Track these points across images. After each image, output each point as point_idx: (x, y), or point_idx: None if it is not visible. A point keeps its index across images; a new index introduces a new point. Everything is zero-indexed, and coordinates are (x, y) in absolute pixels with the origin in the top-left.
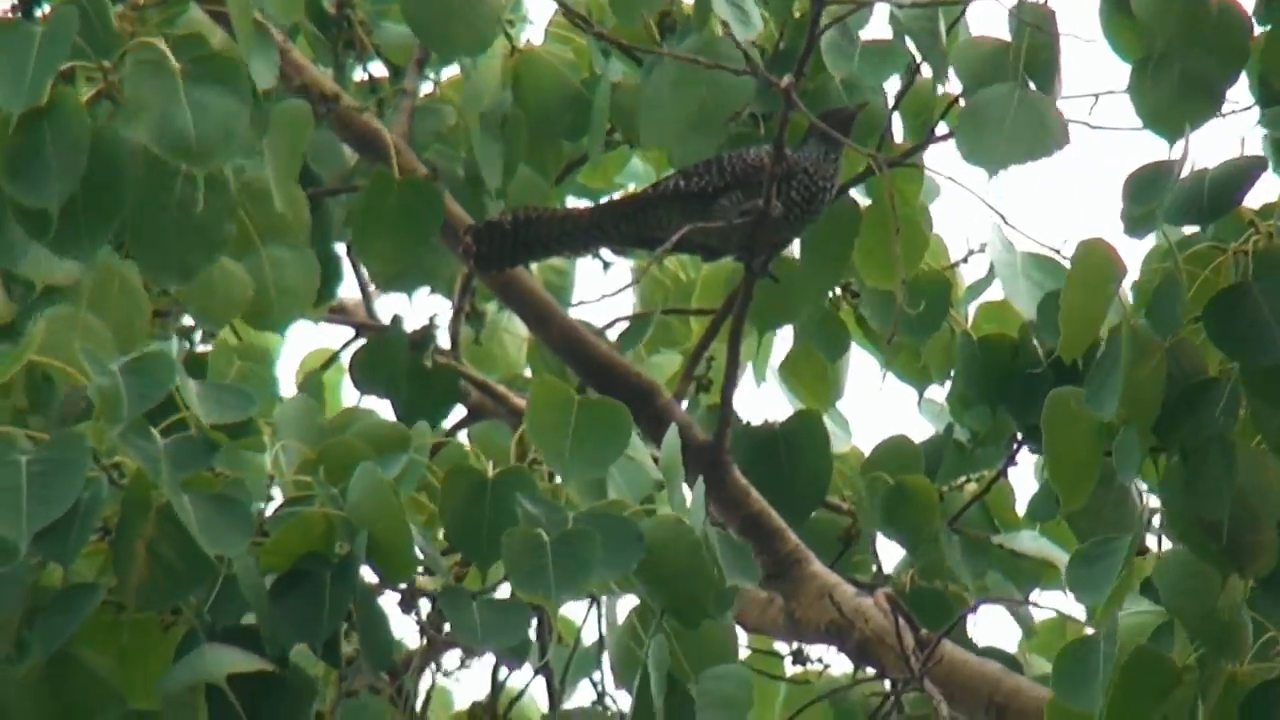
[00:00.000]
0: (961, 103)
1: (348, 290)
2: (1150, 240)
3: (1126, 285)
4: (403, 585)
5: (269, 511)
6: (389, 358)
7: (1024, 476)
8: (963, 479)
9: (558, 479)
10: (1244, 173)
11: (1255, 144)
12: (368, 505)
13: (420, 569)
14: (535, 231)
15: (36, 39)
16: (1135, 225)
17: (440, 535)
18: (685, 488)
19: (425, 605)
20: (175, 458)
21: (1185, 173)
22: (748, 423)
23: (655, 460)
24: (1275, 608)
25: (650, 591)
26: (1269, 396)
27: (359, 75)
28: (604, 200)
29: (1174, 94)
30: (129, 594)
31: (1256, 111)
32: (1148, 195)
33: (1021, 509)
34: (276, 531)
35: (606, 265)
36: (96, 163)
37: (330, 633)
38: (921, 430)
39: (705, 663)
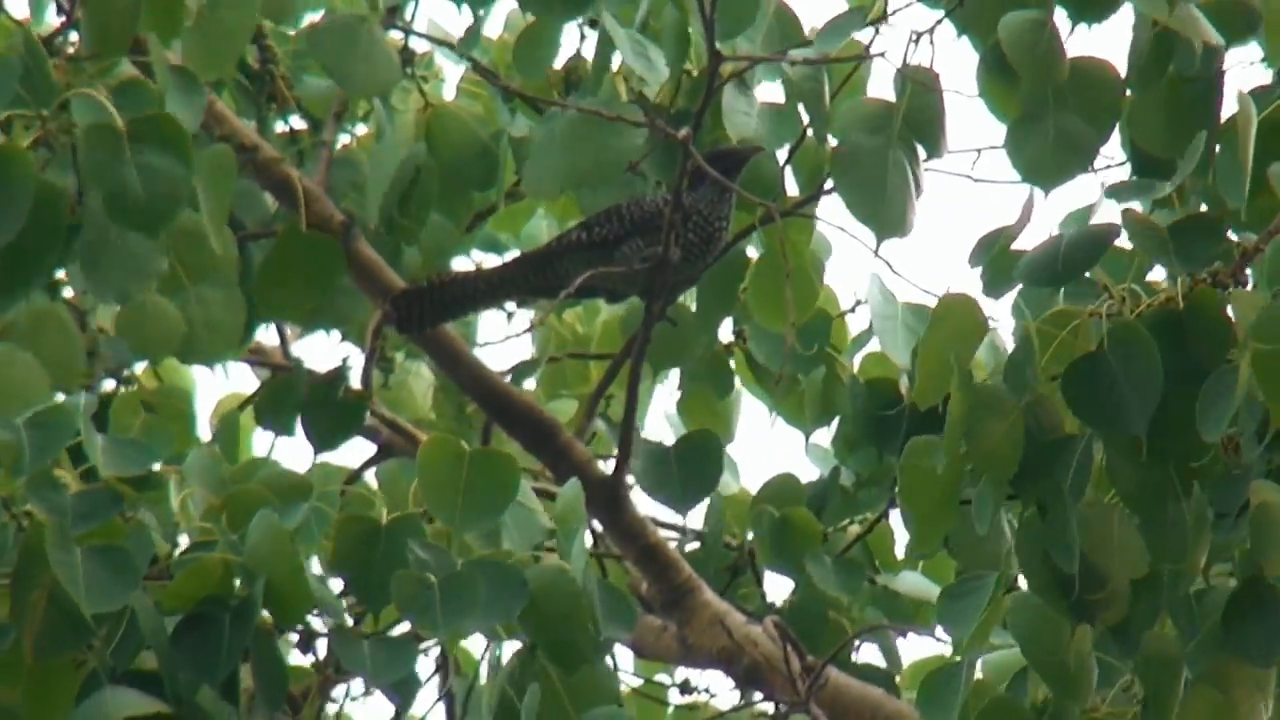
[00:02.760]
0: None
1: (266, 335)
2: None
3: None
4: (300, 626)
5: (175, 555)
6: (291, 396)
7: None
8: (846, 521)
9: None
10: (1099, 238)
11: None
12: (264, 551)
13: (318, 611)
14: (451, 292)
15: None
16: (993, 284)
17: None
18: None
19: (322, 645)
20: (79, 510)
21: (1033, 234)
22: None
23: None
24: (1126, 651)
25: (532, 636)
26: (1125, 452)
27: (280, 128)
28: (511, 256)
29: (1048, 149)
30: (27, 644)
31: (1129, 168)
32: (995, 256)
33: (900, 551)
34: (179, 575)
35: (510, 313)
36: (33, 213)
37: (228, 672)
38: (808, 473)
39: (587, 705)
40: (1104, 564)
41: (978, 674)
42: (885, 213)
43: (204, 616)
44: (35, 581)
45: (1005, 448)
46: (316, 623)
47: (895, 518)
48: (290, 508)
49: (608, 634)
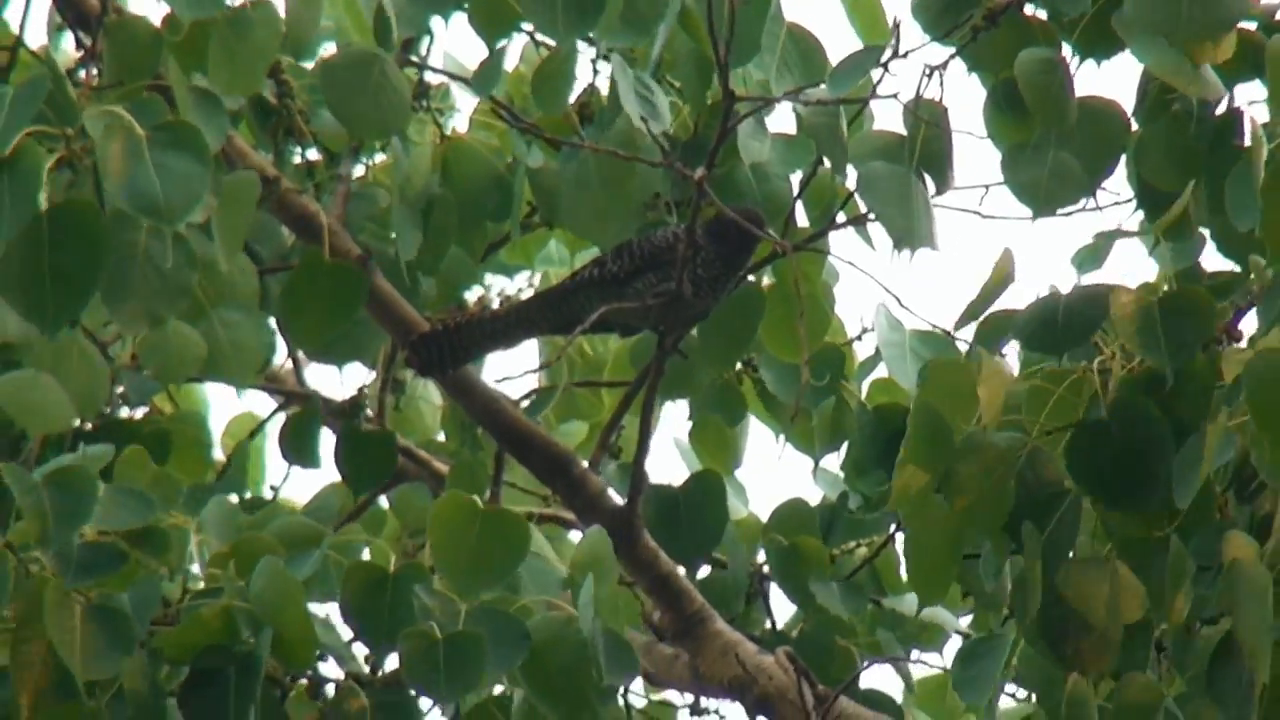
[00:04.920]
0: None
1: (279, 359)
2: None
3: None
4: (309, 672)
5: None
6: (312, 428)
7: None
8: (853, 544)
9: None
10: (1098, 301)
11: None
12: (270, 596)
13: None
14: (469, 334)
15: (9, 98)
16: (984, 345)
17: None
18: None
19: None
20: (84, 561)
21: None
22: (654, 484)
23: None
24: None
25: (532, 689)
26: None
27: (297, 160)
28: (525, 295)
29: (1044, 176)
30: (26, 697)
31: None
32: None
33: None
34: (182, 624)
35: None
36: (71, 238)
37: None
38: (815, 498)
39: None
40: (1090, 613)
41: None
42: (914, 226)
43: (209, 674)
44: (34, 633)
45: (991, 499)
46: (324, 668)
47: (901, 540)
48: (300, 559)
49: (609, 681)
